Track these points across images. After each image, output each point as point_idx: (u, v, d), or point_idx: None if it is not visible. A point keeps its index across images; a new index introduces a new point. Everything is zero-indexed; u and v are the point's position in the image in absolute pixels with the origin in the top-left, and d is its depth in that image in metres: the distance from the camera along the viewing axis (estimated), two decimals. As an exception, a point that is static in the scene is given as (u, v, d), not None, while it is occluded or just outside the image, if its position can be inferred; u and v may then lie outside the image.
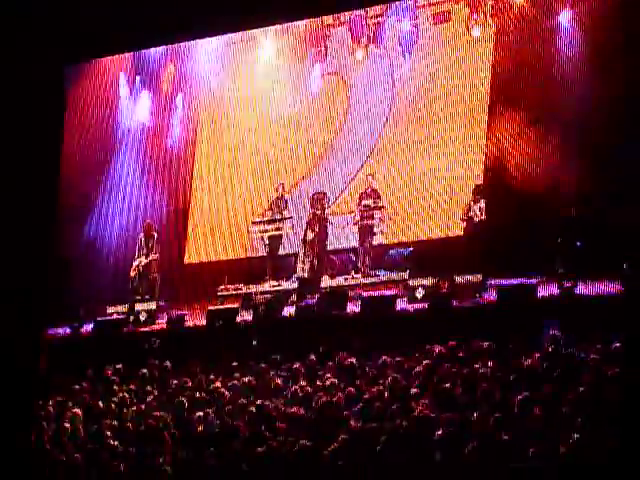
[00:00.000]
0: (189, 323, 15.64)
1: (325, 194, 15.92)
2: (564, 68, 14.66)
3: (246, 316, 15.38)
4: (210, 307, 15.67)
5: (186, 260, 16.85)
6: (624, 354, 11.07)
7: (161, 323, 15.96)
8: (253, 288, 15.82)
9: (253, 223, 16.46)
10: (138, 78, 17.29)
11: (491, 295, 14.14)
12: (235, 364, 13.68)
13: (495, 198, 14.75)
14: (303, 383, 12.05)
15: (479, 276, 14.36)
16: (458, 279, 14.40)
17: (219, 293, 16.02)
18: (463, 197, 15.18)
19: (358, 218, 15.67)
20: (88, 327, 16.22)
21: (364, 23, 16.04)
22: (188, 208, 16.99)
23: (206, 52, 17.09)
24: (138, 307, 16.27)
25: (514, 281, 13.83)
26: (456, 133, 15.41)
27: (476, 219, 14.84)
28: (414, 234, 15.37)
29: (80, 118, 17.15)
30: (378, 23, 15.97)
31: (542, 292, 13.68)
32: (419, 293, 14.57)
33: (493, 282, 14.20)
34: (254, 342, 14.16)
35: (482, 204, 14.85)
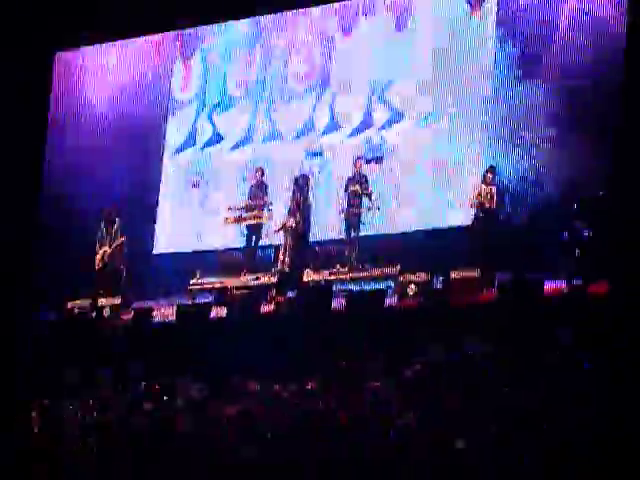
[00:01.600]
0: (157, 319, 14.58)
1: (309, 178, 14.56)
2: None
3: (220, 312, 14.31)
4: (180, 302, 14.59)
5: (155, 250, 15.44)
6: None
7: (126, 319, 14.85)
8: (228, 282, 14.61)
9: (229, 210, 15.05)
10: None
11: (491, 292, 12.97)
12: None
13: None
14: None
15: (477, 271, 13.12)
16: (453, 274, 13.21)
17: (190, 287, 14.79)
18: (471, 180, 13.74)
19: (345, 206, 14.34)
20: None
21: None
22: (157, 190, 15.58)
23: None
24: (101, 301, 15.10)
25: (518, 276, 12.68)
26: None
27: (487, 205, 13.47)
28: (408, 223, 13.97)
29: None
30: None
31: (549, 289, 12.50)
32: (411, 289, 13.43)
33: (494, 277, 12.98)
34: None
35: (494, 188, 13.51)
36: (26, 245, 15.59)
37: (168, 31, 15.86)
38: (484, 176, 13.56)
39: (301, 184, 14.56)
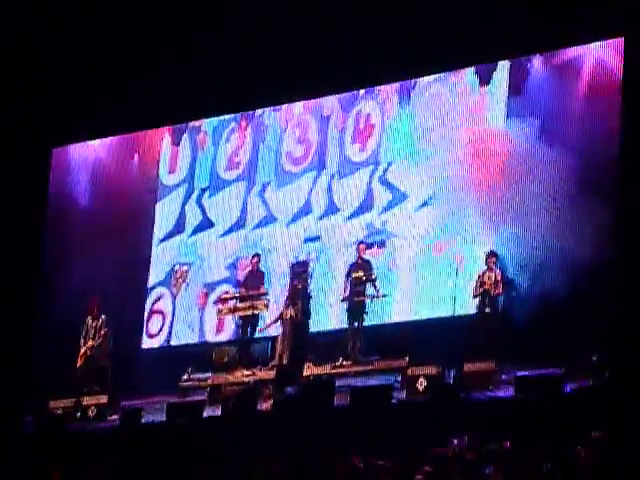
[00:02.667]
0: (146, 419, 13.60)
1: (308, 264, 13.70)
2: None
3: (214, 411, 13.38)
4: (171, 400, 13.63)
5: (144, 344, 14.49)
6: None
7: (113, 419, 13.92)
8: (222, 379, 13.69)
9: (221, 301, 14.17)
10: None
11: (507, 388, 12.07)
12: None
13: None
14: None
15: (492, 364, 12.22)
16: (467, 367, 12.29)
17: (182, 384, 13.85)
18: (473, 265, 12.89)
19: (347, 294, 13.43)
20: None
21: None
22: (145, 282, 14.72)
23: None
24: (86, 401, 14.17)
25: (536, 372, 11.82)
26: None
27: (492, 292, 12.59)
28: (415, 312, 13.10)
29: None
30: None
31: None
32: (421, 384, 12.48)
33: (510, 372, 12.11)
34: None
35: (498, 273, 12.61)
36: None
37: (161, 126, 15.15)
38: (487, 260, 12.69)
39: (299, 271, 13.73)
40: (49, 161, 15.25)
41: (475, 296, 12.68)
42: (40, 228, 15.05)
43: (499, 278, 12.56)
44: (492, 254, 12.70)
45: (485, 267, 12.67)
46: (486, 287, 12.61)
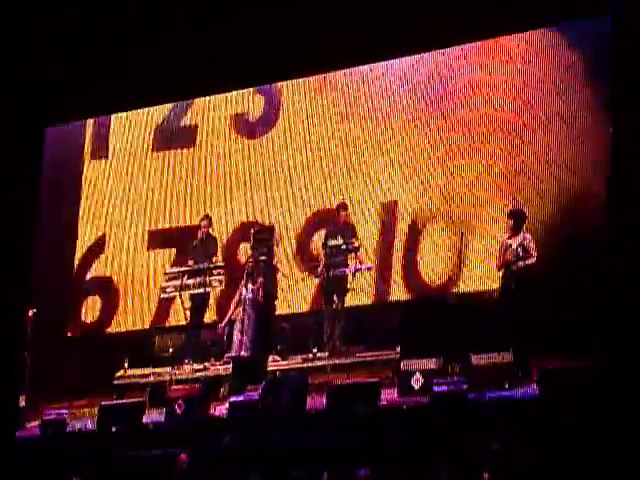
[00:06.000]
0: (72, 427, 11.45)
1: (273, 230, 11.25)
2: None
3: (157, 417, 11.15)
4: (103, 402, 11.44)
5: (69, 331, 12.14)
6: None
7: (32, 427, 11.70)
8: (166, 374, 11.40)
9: (167, 275, 11.73)
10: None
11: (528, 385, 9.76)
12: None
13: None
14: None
15: (508, 355, 9.89)
16: (476, 359, 9.98)
17: (116, 382, 11.59)
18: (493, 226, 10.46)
19: (322, 267, 10.99)
20: None
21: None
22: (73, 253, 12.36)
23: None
24: None
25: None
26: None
27: (519, 264, 10.14)
28: (410, 289, 10.63)
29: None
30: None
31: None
32: (416, 381, 10.23)
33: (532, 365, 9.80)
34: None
35: (527, 239, 10.14)
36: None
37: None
38: (511, 222, 10.29)
39: (262, 238, 11.28)
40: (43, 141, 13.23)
41: (499, 267, 10.28)
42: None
43: (530, 245, 10.15)
44: (517, 214, 10.27)
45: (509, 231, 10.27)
46: (507, 257, 10.19)
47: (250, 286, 11.08)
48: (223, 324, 11.19)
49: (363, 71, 11.21)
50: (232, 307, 11.21)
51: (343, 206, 11.08)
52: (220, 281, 11.42)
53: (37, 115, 12.87)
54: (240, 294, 11.11)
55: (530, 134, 10.32)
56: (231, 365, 11.05)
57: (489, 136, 10.49)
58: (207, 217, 11.56)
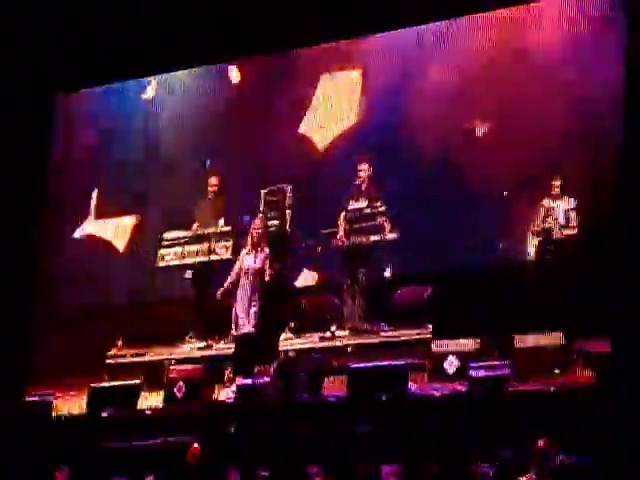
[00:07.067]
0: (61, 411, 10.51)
1: (285, 190, 10.02)
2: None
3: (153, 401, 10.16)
4: (93, 384, 10.46)
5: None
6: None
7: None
8: (165, 353, 10.31)
9: (163, 242, 10.59)
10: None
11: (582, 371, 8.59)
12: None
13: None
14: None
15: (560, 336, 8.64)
16: (520, 340, 8.80)
17: (108, 360, 10.51)
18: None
19: (342, 234, 9.71)
20: None
21: None
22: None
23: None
24: None
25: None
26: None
27: (558, 232, 8.93)
28: (441, 260, 9.36)
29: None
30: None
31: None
32: (451, 365, 9.04)
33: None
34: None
35: (570, 204, 8.93)
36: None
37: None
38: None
39: (272, 200, 10.11)
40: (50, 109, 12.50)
41: (534, 234, 9.06)
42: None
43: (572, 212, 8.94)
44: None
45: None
46: (548, 224, 9.01)
47: (256, 255, 9.85)
48: (219, 295, 9.96)
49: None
50: (232, 276, 9.96)
51: (363, 160, 9.77)
52: (227, 248, 10.23)
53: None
54: (241, 262, 9.89)
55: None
56: (236, 345, 9.87)
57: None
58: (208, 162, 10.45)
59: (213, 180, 10.45)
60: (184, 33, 11.15)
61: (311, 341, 9.72)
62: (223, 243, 10.32)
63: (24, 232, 11.38)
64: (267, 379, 9.61)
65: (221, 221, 10.39)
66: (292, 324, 9.82)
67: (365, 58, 10.21)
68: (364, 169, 9.72)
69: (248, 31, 10.76)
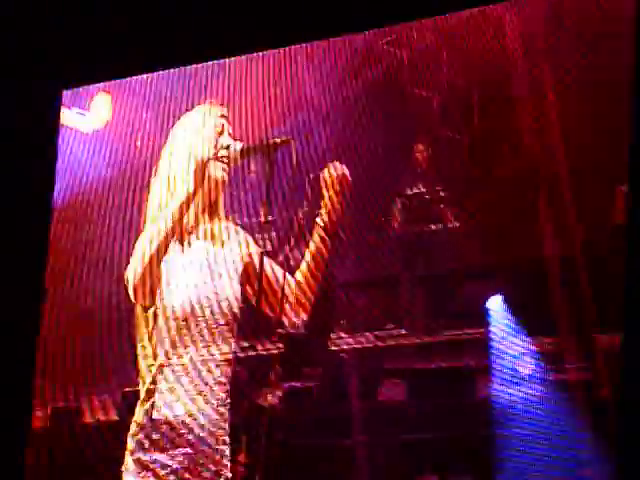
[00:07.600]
0: (88, 418, 9.41)
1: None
2: None
3: None
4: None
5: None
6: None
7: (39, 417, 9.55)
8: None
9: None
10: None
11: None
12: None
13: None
14: None
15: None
16: (604, 341, 7.77)
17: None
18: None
19: (398, 222, 8.79)
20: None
21: None
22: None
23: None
24: None
25: None
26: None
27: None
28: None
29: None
30: None
31: None
32: (524, 366, 8.13)
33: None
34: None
35: None
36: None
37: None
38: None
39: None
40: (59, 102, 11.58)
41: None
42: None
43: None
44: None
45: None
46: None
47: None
48: None
49: None
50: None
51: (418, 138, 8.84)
52: (270, 239, 9.34)
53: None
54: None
55: None
56: (284, 344, 9.05)
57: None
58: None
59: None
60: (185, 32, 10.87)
61: (365, 340, 8.75)
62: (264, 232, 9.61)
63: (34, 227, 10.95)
64: (315, 383, 8.93)
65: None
66: (343, 322, 9.10)
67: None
68: (420, 150, 8.94)
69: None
